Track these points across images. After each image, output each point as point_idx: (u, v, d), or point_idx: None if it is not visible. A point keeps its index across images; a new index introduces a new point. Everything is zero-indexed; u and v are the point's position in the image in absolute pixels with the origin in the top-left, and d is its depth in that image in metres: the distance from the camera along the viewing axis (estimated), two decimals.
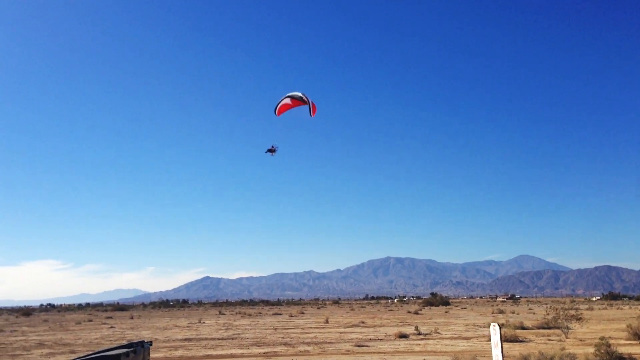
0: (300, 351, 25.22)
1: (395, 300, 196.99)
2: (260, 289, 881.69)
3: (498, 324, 13.18)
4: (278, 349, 26.50)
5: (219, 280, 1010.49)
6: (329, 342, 29.13)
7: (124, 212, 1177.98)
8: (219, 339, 33.48)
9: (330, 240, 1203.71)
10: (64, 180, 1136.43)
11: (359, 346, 26.69)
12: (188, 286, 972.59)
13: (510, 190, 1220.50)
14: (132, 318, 72.30)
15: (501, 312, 66.89)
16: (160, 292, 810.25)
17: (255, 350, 26.15)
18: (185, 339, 33.65)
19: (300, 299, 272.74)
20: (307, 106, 22.03)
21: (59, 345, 32.07)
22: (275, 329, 42.09)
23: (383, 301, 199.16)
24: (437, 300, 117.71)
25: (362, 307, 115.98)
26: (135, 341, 10.49)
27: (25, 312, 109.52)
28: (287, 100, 22.41)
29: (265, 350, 25.97)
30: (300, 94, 22.07)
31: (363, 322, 48.61)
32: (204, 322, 54.48)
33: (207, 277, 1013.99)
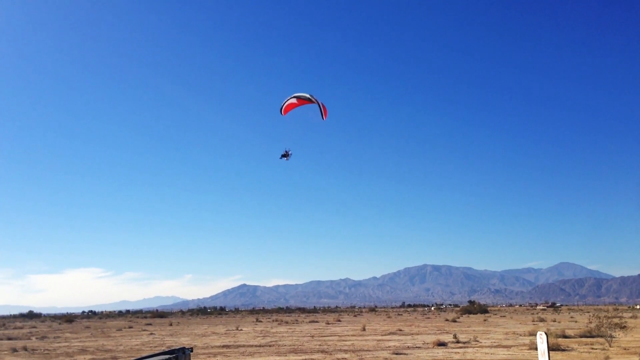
0: (338, 359, 25.20)
1: (433, 308, 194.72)
2: (297, 297, 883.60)
3: (545, 332, 12.98)
4: (315, 356, 26.53)
5: (255, 287, 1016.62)
6: (366, 350, 29.03)
7: (163, 222, 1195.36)
8: (256, 346, 33.69)
9: (367, 247, 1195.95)
10: (106, 190, 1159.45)
11: (396, 354, 26.53)
12: (225, 294, 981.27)
13: (550, 196, 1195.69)
14: (171, 325, 73.26)
15: (542, 320, 65.53)
16: (198, 299, 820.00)
17: (293, 357, 26.23)
18: (224, 346, 33.96)
19: (337, 307, 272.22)
20: (316, 107, 22.01)
21: (100, 351, 32.74)
22: (312, 336, 42.11)
23: (420, 309, 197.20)
24: (475, 308, 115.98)
25: (398, 314, 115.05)
26: (176, 347, 10.69)
27: (68, 318, 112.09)
28: (293, 100, 22.49)
29: (303, 357, 26.02)
30: (307, 95, 22.10)
31: (400, 330, 48.26)
32: (241, 329, 54.85)
33: (244, 285, 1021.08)
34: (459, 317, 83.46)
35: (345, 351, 28.64)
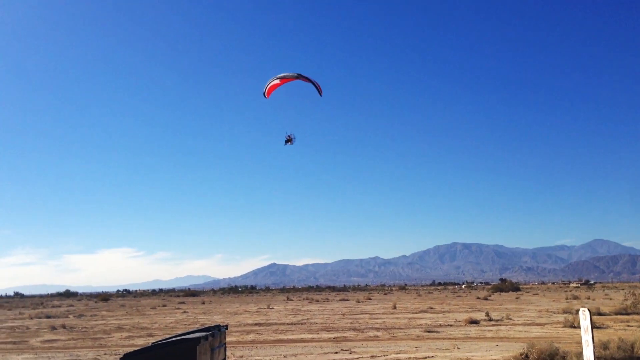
0: (370, 336, 25.27)
1: (463, 286, 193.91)
2: (326, 275, 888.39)
3: (588, 309, 12.74)
4: (347, 334, 26.64)
5: (285, 266, 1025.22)
6: (398, 328, 29.04)
7: (194, 202, 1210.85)
8: (288, 324, 33.98)
9: (396, 226, 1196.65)
10: (137, 173, 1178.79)
11: (428, 332, 26.48)
12: (255, 272, 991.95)
13: (583, 171, 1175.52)
14: (203, 303, 74.44)
15: (575, 298, 64.68)
16: (229, 278, 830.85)
17: (325, 335, 26.38)
18: (256, 324, 34.35)
19: (366, 285, 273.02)
20: (309, 85, 21.48)
21: (136, 329, 33.42)
22: (343, 314, 42.30)
23: (450, 287, 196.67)
24: (506, 286, 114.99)
25: (429, 293, 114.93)
26: (212, 325, 10.78)
27: (104, 297, 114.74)
28: (277, 81, 21.77)
29: (335, 335, 26.15)
30: (293, 74, 21.40)
31: (431, 308, 48.18)
32: (272, 308, 55.42)
33: (274, 264, 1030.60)
34: (490, 295, 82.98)
35: (377, 329, 28.70)
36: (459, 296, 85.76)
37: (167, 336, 10.00)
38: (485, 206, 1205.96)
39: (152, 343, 8.84)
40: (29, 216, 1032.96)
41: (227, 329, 11.12)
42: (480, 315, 35.41)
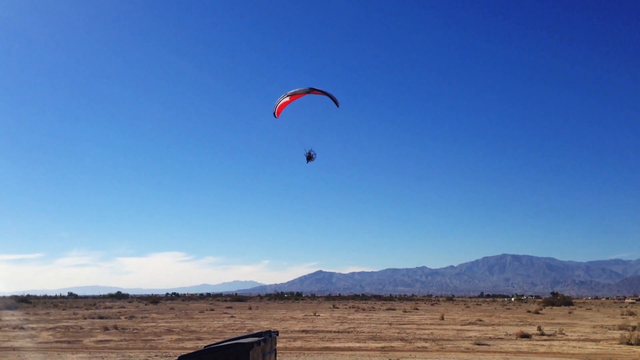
0: (418, 347, 24.97)
1: (513, 299, 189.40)
2: (372, 284, 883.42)
3: None
4: (395, 344, 26.40)
5: (331, 274, 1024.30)
6: (447, 339, 28.59)
7: (242, 209, 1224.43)
8: (334, 331, 33.91)
9: (444, 236, 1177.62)
10: (189, 179, 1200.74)
11: (478, 344, 25.98)
12: (302, 279, 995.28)
13: None
14: (250, 309, 75.07)
15: (631, 314, 62.28)
16: (275, 284, 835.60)
17: (372, 344, 26.22)
18: (302, 331, 34.40)
19: (413, 295, 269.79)
20: (323, 97, 20.73)
21: (185, 332, 34.00)
22: (390, 324, 41.94)
23: (499, 299, 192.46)
24: (558, 300, 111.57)
25: (477, 304, 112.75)
26: (262, 330, 10.87)
27: (153, 300, 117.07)
28: (286, 99, 20.66)
29: (382, 344, 25.95)
30: (304, 88, 20.32)
31: (480, 320, 47.23)
32: (318, 315, 55.41)
33: (320, 271, 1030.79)
34: (541, 309, 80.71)
35: (425, 340, 28.33)
36: (509, 309, 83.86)
37: (217, 340, 10.13)
38: (538, 217, 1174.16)
39: (205, 346, 8.97)
40: (84, 219, 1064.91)
41: (277, 334, 11.19)
42: (531, 329, 34.48)
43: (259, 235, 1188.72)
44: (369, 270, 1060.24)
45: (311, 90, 20.36)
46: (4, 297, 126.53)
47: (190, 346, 25.61)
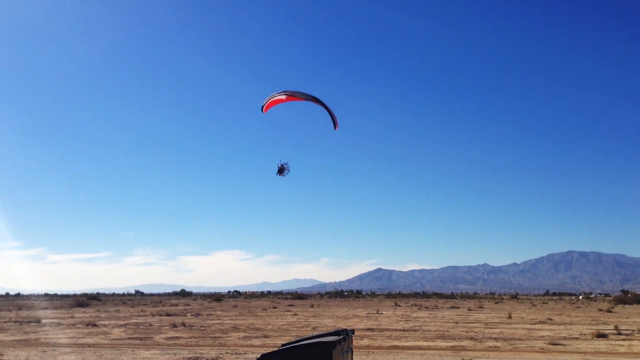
0: (490, 347, 24.25)
1: (581, 297, 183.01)
2: (433, 282, 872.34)
3: None
4: (464, 343, 25.75)
5: (391, 272, 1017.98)
6: (518, 339, 27.67)
7: (301, 207, 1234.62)
8: (400, 330, 33.45)
9: (506, 231, 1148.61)
10: (249, 179, 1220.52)
11: (553, 344, 25.01)
12: (361, 277, 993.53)
13: None
14: (312, 307, 75.30)
15: None
16: (335, 282, 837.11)
17: (441, 343, 25.66)
18: (367, 329, 34.09)
19: (475, 293, 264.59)
20: (322, 111, 19.04)
21: (251, 329, 34.30)
22: (456, 322, 41.08)
23: (566, 298, 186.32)
24: (630, 298, 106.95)
25: (543, 303, 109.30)
26: (339, 329, 10.66)
27: (216, 297, 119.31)
28: (282, 97, 18.94)
29: (452, 344, 25.36)
30: (305, 94, 18.78)
31: (550, 319, 45.62)
32: (381, 313, 54.93)
33: (380, 269, 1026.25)
34: (613, 307, 77.54)
35: (496, 339, 27.50)
36: (578, 307, 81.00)
37: (302, 337, 9.98)
38: (606, 211, 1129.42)
39: (282, 345, 8.83)
40: (150, 219, 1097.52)
41: (353, 333, 10.98)
42: (607, 329, 33.01)
43: (318, 233, 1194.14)
44: (429, 268, 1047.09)
45: (313, 100, 18.97)
46: (75, 295, 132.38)
47: (258, 343, 25.77)
